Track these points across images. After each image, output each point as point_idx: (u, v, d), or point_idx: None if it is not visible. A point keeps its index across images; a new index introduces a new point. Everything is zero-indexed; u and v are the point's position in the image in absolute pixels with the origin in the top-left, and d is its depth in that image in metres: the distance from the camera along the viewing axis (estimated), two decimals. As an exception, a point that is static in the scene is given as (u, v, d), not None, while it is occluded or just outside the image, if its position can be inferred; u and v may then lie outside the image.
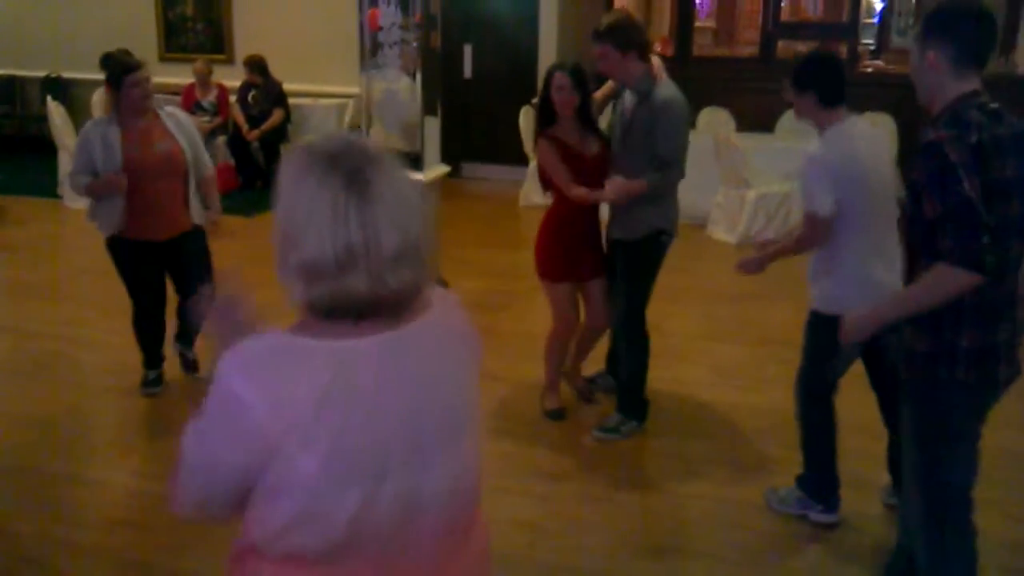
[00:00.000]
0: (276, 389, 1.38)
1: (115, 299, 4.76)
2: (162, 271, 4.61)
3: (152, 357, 4.75)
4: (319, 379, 1.39)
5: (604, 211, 4.39)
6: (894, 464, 3.50)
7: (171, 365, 4.87)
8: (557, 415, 4.51)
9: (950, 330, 2.49)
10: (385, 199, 1.40)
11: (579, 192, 4.04)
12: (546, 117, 4.15)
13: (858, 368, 3.53)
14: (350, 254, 1.37)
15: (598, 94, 4.35)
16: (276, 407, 1.38)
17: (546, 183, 4.27)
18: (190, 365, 4.92)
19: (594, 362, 4.79)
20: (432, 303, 1.55)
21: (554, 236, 4.30)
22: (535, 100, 4.30)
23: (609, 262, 4.33)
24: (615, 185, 3.97)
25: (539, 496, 3.85)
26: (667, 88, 3.99)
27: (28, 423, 4.43)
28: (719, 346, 5.45)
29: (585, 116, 4.15)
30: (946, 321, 2.48)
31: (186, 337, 4.89)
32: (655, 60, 4.10)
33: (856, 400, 3.67)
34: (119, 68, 4.28)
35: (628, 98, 4.10)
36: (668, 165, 3.97)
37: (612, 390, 4.61)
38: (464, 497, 1.58)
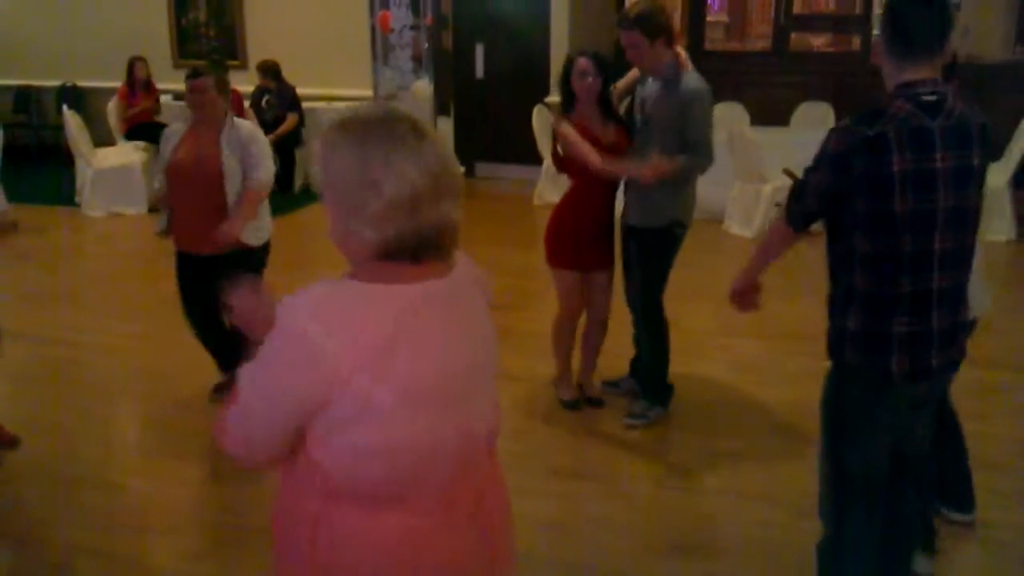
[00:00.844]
0: (346, 327, 1.45)
1: (133, 305, 4.77)
2: (206, 288, 4.34)
3: (220, 360, 4.59)
4: (387, 318, 1.48)
5: (619, 202, 4.36)
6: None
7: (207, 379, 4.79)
8: (573, 405, 4.52)
9: (884, 316, 2.48)
10: (439, 142, 1.54)
11: (603, 162, 3.98)
12: (567, 102, 4.16)
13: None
14: (435, 185, 1.49)
15: (620, 83, 4.37)
16: (348, 344, 1.44)
17: (563, 164, 4.24)
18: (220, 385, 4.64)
19: (606, 365, 4.76)
20: (458, 258, 1.66)
21: (565, 223, 4.30)
22: (548, 99, 4.32)
23: (624, 249, 4.31)
24: (652, 161, 3.91)
25: (560, 495, 3.84)
26: (694, 77, 4.00)
27: (48, 430, 4.44)
28: (737, 341, 5.42)
29: (605, 103, 4.16)
30: (879, 306, 2.49)
31: (224, 361, 4.59)
32: (680, 50, 4.09)
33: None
34: (188, 74, 4.41)
35: (651, 86, 4.08)
36: (698, 151, 3.97)
37: (636, 394, 4.58)
38: (495, 432, 1.71)
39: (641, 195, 4.10)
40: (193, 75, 4.36)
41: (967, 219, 2.49)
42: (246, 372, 1.54)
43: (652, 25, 3.92)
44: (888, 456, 2.68)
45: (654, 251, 4.20)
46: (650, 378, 4.44)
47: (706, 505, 3.79)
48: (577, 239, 4.27)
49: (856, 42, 10.57)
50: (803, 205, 2.58)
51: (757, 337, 5.45)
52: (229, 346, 4.47)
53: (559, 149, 4.20)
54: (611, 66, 4.17)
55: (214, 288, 4.30)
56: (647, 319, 4.33)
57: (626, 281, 4.36)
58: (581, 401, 4.55)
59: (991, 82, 8.14)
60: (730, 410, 4.61)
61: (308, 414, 1.48)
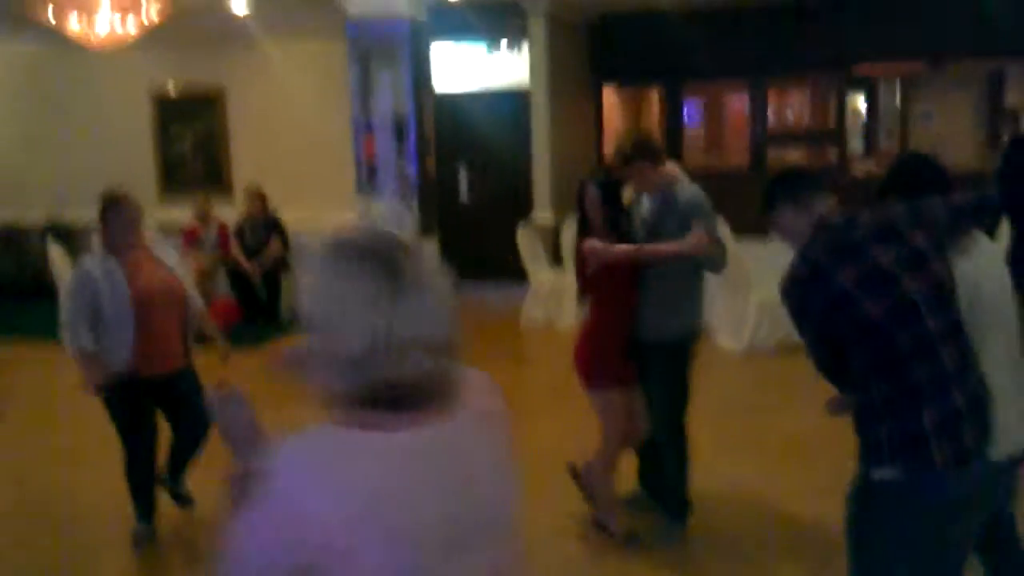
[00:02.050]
0: (335, 481, 1.36)
1: (116, 443, 4.66)
2: (155, 411, 4.52)
3: (146, 507, 4.55)
4: (375, 471, 1.38)
5: None
6: None
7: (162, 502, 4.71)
8: (632, 538, 4.36)
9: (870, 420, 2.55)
10: (419, 286, 1.42)
11: (649, 248, 4.08)
12: (583, 226, 4.28)
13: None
14: (390, 342, 1.38)
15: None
16: (336, 500, 1.35)
17: (586, 285, 4.26)
18: (183, 499, 4.79)
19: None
20: (465, 388, 1.53)
21: (600, 342, 4.25)
22: (530, 217, 4.39)
23: (640, 366, 4.28)
24: (697, 237, 4.04)
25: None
26: (689, 188, 4.23)
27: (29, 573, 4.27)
28: (730, 459, 5.31)
29: (614, 227, 4.22)
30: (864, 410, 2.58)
31: (177, 472, 4.75)
32: (671, 165, 4.33)
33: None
34: (106, 201, 4.36)
35: (648, 204, 4.27)
36: (717, 255, 4.19)
37: (649, 507, 4.56)
38: None
39: (657, 309, 4.17)
40: (115, 201, 4.34)
41: (947, 294, 2.55)
42: (234, 528, 1.44)
43: (652, 151, 4.20)
44: None
45: (677, 365, 4.28)
46: (675, 495, 4.40)
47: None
48: (617, 355, 4.24)
49: (832, 154, 10.79)
50: (819, 363, 2.70)
51: (755, 453, 5.35)
52: (152, 481, 4.60)
53: (588, 268, 4.19)
54: (619, 191, 4.29)
55: (166, 405, 4.47)
56: (674, 436, 4.32)
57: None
58: (636, 532, 4.40)
59: (968, 188, 8.24)
60: (726, 529, 4.48)
61: (301, 571, 1.38)
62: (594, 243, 4.11)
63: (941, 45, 9.90)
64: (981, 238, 2.88)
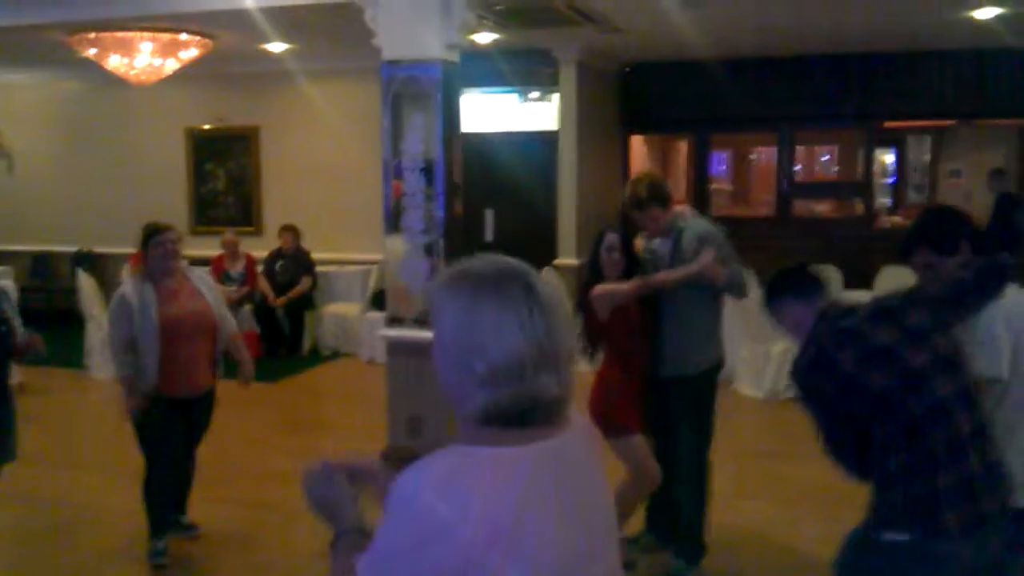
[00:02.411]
0: (474, 502, 1.36)
1: (135, 468, 4.71)
2: (180, 431, 4.66)
3: (161, 525, 4.66)
4: (513, 487, 1.40)
5: None
6: None
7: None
8: (630, 566, 4.33)
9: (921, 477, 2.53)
10: (553, 304, 1.49)
11: (668, 275, 4.13)
12: (594, 276, 4.28)
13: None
14: (542, 355, 1.44)
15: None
16: (479, 520, 1.35)
17: (599, 333, 4.23)
18: (190, 529, 4.91)
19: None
20: (575, 422, 1.57)
21: (618, 390, 4.22)
22: (556, 261, 4.43)
23: (661, 404, 4.29)
24: (705, 257, 4.08)
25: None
26: (697, 220, 4.37)
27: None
28: (749, 504, 5.27)
29: (631, 273, 4.23)
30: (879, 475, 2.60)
31: (182, 503, 4.91)
32: (682, 206, 4.42)
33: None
34: (148, 231, 4.57)
35: (661, 245, 4.30)
36: (734, 278, 4.22)
37: (655, 548, 4.52)
38: None
39: (679, 344, 4.21)
40: (158, 231, 4.56)
41: (954, 362, 2.60)
42: (366, 564, 1.43)
43: (663, 196, 4.26)
44: None
45: (703, 398, 4.31)
46: (691, 536, 4.37)
47: None
48: (633, 402, 4.23)
49: (860, 207, 10.78)
50: (832, 447, 2.72)
51: (773, 498, 5.31)
52: (183, 494, 4.85)
53: (598, 310, 4.17)
54: (633, 241, 4.34)
55: (202, 427, 4.70)
56: (699, 474, 4.32)
57: (660, 438, 4.32)
58: (636, 562, 4.40)
59: (996, 243, 8.22)
60: (753, 572, 4.46)
61: None
62: (603, 286, 4.15)
63: (971, 105, 9.92)
64: (1013, 292, 2.89)
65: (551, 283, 1.35)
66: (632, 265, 4.24)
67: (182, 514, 4.90)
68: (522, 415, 1.45)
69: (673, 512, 4.42)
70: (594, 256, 4.30)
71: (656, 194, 4.24)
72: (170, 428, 4.59)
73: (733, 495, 5.41)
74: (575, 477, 1.51)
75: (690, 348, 4.22)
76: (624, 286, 4.13)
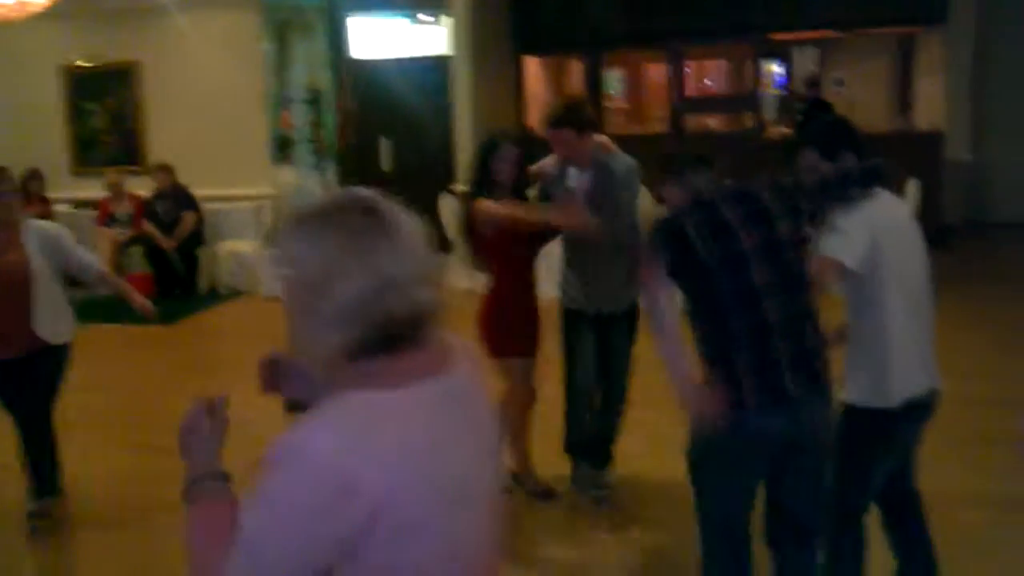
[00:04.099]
0: (375, 447, 1.35)
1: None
2: (25, 392, 4.29)
3: (37, 479, 4.35)
4: (410, 428, 1.39)
5: (542, 288, 4.38)
6: None
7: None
8: (548, 494, 4.44)
9: (727, 356, 2.76)
10: (402, 226, 1.45)
11: (539, 214, 4.06)
12: (481, 186, 4.14)
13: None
14: (388, 280, 1.39)
15: (533, 168, 4.38)
16: (381, 465, 1.34)
17: (484, 253, 4.19)
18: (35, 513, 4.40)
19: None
20: (452, 345, 1.55)
21: (500, 313, 4.22)
22: (453, 187, 4.38)
23: (599, 335, 4.29)
24: (570, 210, 4.01)
25: None
26: (624, 158, 4.18)
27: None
28: (654, 415, 5.40)
29: (519, 191, 4.17)
30: (719, 349, 2.79)
31: (42, 475, 4.38)
32: (601, 136, 4.22)
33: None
34: None
35: (579, 176, 4.15)
36: (620, 221, 4.09)
37: (585, 480, 4.52)
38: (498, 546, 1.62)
39: (611, 281, 4.16)
40: None
41: (780, 249, 2.79)
42: (251, 522, 1.36)
43: (581, 120, 4.04)
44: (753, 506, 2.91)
45: (635, 331, 4.30)
46: (606, 448, 4.49)
47: None
48: (515, 326, 4.23)
49: (749, 120, 10.98)
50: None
51: (673, 410, 5.42)
52: (50, 460, 4.39)
53: (481, 227, 4.09)
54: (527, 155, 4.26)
55: (35, 390, 4.26)
56: (625, 392, 4.41)
57: (576, 365, 4.32)
58: (553, 488, 4.47)
59: (879, 149, 8.47)
60: (649, 486, 4.59)
61: (342, 550, 1.34)
62: (486, 204, 4.03)
63: (853, 15, 10.11)
64: (883, 195, 2.99)
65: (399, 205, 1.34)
66: (523, 181, 4.17)
67: (40, 496, 4.41)
68: (384, 343, 1.41)
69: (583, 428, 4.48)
70: (482, 164, 4.15)
71: (572, 116, 4.03)
72: (4, 393, 4.25)
73: (637, 406, 5.53)
74: (466, 410, 1.51)
75: (627, 285, 4.10)
76: (504, 211, 4.00)
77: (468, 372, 1.55)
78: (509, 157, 4.12)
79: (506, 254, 4.14)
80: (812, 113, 9.97)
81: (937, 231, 9.34)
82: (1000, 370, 6.04)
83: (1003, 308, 7.62)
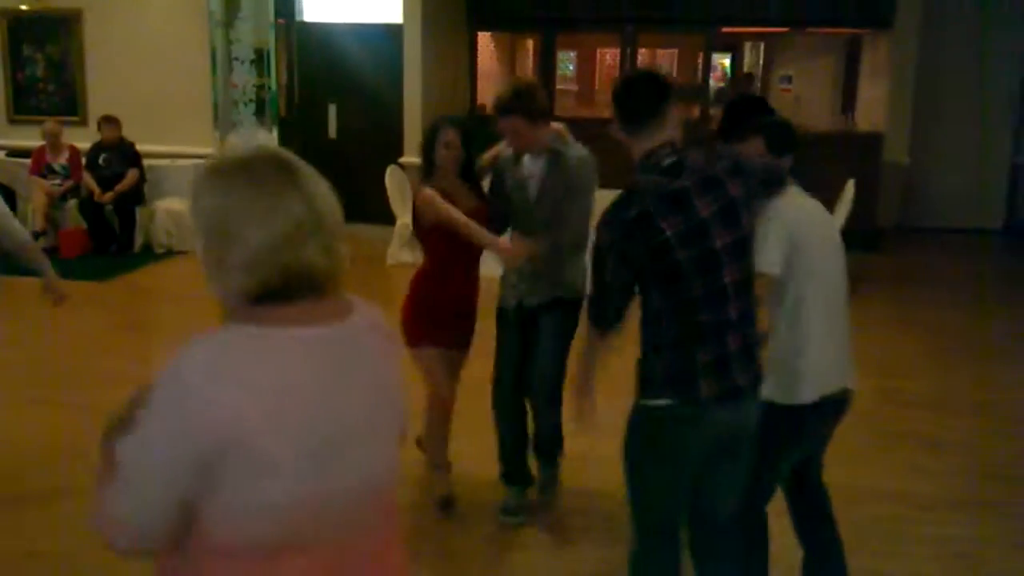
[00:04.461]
0: (240, 378, 1.39)
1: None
2: None
3: None
4: (281, 366, 1.42)
5: (485, 273, 4.16)
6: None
7: None
8: (447, 503, 4.11)
9: (652, 354, 2.74)
10: (312, 178, 1.52)
11: (478, 232, 3.76)
12: (429, 169, 3.96)
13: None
14: (299, 228, 1.46)
15: (486, 156, 4.13)
16: (242, 395, 1.37)
17: (423, 235, 3.98)
18: None
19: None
20: (356, 304, 1.61)
21: (421, 298, 3.99)
22: (402, 159, 4.22)
23: (521, 329, 4.01)
24: (518, 244, 3.78)
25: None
26: (578, 148, 3.89)
27: None
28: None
29: (467, 173, 3.98)
30: (648, 346, 2.75)
31: None
32: (557, 124, 3.96)
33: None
34: None
35: (532, 165, 3.88)
36: (568, 226, 3.85)
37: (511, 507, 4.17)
38: (391, 493, 1.64)
39: (554, 268, 3.89)
40: None
41: (747, 247, 2.72)
42: (127, 443, 1.43)
43: (533, 108, 3.72)
44: (685, 506, 2.87)
45: (572, 325, 3.94)
46: (558, 446, 4.22)
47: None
48: (436, 313, 3.96)
49: (696, 110, 11.08)
50: (609, 303, 2.76)
51: (601, 393, 5.47)
52: None
53: (420, 217, 3.90)
54: (474, 136, 4.01)
55: None
56: (559, 391, 4.01)
57: (510, 365, 4.06)
58: (454, 500, 4.14)
59: (821, 148, 8.65)
60: (573, 464, 4.60)
61: (202, 476, 1.38)
62: (429, 195, 3.82)
63: (802, 13, 10.26)
64: (798, 194, 3.03)
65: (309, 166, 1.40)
66: (472, 164, 3.98)
67: None
68: (285, 291, 1.47)
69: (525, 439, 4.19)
70: (429, 150, 3.93)
71: (521, 103, 3.69)
72: None
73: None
74: (358, 362, 1.55)
75: (576, 268, 3.92)
76: (445, 215, 3.76)
77: (366, 327, 1.59)
78: (448, 142, 3.88)
79: (446, 239, 3.87)
80: (736, 108, 10.10)
81: (871, 233, 9.56)
82: (927, 372, 6.21)
83: (932, 311, 7.82)
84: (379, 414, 1.58)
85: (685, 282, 2.63)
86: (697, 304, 2.65)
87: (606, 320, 2.80)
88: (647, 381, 2.76)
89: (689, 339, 2.67)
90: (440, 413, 4.08)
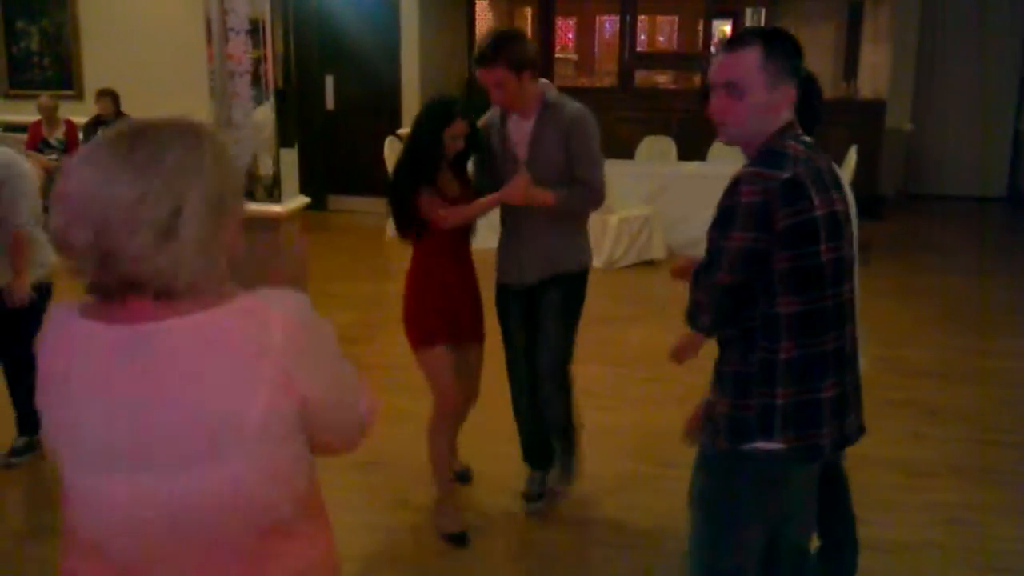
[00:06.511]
0: (44, 358, 1.44)
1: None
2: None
3: (21, 418, 4.29)
4: (64, 352, 1.41)
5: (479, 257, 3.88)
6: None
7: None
8: (460, 538, 3.64)
9: (762, 388, 2.16)
10: (161, 161, 1.37)
11: (484, 205, 3.44)
12: (432, 164, 3.43)
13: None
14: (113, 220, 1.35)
15: (480, 124, 3.71)
16: (43, 376, 1.44)
17: (410, 228, 3.53)
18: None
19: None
20: (219, 304, 1.38)
21: (421, 292, 3.58)
22: (400, 131, 4.05)
23: (524, 310, 3.72)
24: (520, 182, 3.36)
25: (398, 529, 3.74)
26: (572, 103, 3.51)
27: None
28: (580, 367, 5.44)
29: (459, 160, 3.57)
30: (756, 379, 2.17)
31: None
32: (544, 81, 3.58)
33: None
34: None
35: (520, 126, 3.51)
36: (588, 186, 3.50)
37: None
38: (235, 519, 1.40)
39: (543, 248, 3.58)
40: None
41: (855, 263, 2.30)
42: None
43: (517, 57, 3.31)
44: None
45: (580, 296, 3.71)
46: (568, 438, 3.90)
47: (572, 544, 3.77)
48: (442, 304, 3.56)
49: (698, 79, 10.99)
50: (711, 303, 2.18)
51: (598, 362, 5.49)
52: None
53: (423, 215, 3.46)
54: (473, 108, 3.61)
55: (16, 332, 3.98)
56: (565, 375, 3.75)
57: (515, 347, 3.78)
58: (468, 534, 3.67)
59: (823, 115, 8.55)
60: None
61: None
62: (430, 201, 3.40)
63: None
64: None
65: (188, 140, 1.27)
66: (467, 154, 3.57)
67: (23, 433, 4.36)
68: (107, 289, 1.37)
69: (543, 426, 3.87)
70: (432, 130, 3.40)
71: (505, 51, 3.29)
72: None
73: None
74: (166, 367, 1.34)
75: (576, 244, 3.67)
76: (457, 219, 3.43)
77: (201, 325, 1.36)
78: (459, 134, 3.43)
79: (437, 239, 3.51)
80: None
81: (873, 200, 9.50)
82: (928, 339, 6.18)
83: (935, 279, 7.79)
84: (187, 430, 1.34)
85: (819, 289, 2.11)
86: (826, 320, 2.14)
87: (701, 325, 2.26)
88: (748, 419, 2.18)
89: (813, 366, 2.14)
90: (446, 421, 3.67)
